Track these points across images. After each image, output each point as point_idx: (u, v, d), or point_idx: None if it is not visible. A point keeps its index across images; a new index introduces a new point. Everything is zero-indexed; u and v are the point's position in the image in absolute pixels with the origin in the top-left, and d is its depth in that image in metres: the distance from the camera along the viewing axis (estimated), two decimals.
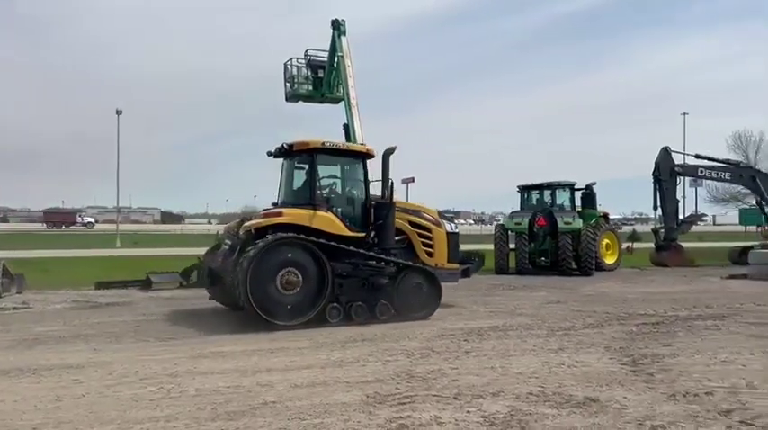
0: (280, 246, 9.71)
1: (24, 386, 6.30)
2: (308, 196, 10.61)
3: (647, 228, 41.25)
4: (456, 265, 11.86)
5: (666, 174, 24.82)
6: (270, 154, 11.55)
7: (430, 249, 11.41)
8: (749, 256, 20.74)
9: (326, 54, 18.09)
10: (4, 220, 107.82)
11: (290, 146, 10.97)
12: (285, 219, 10.09)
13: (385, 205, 10.73)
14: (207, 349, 8.11)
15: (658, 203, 25.02)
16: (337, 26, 17.43)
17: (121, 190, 43.40)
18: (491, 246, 22.11)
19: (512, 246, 21.60)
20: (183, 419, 5.18)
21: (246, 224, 10.69)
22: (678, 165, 25.67)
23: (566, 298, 14.06)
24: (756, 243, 27.04)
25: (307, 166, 10.95)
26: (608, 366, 7.14)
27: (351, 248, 10.30)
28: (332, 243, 10.12)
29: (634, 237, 38.72)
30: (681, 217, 27.05)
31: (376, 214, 10.86)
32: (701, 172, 26.65)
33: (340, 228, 10.42)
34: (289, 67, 18.61)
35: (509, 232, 21.90)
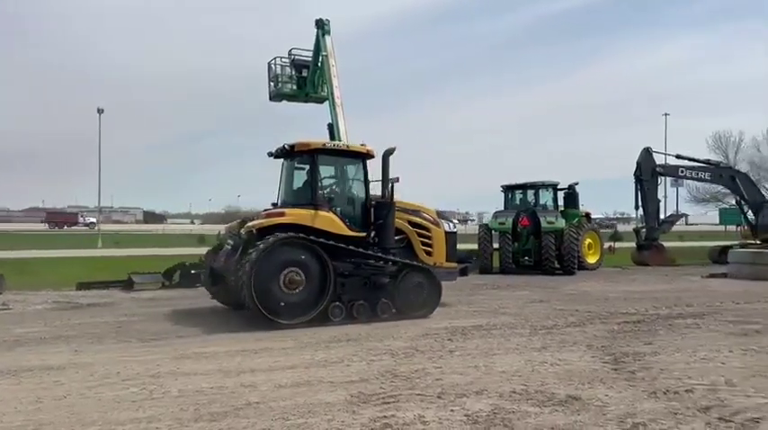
0: (283, 246, 9.83)
1: (4, 388, 6.22)
2: (309, 196, 10.70)
3: (629, 227, 41.63)
4: (454, 264, 12.00)
5: (648, 174, 25.11)
6: (270, 154, 11.65)
7: (429, 248, 11.52)
8: (729, 256, 21.05)
9: (310, 53, 18.06)
10: None
11: (292, 146, 11.03)
12: (287, 219, 10.18)
13: (385, 205, 10.82)
14: (190, 350, 8.06)
15: (640, 203, 25.32)
16: (321, 25, 17.41)
17: (103, 189, 43.07)
18: (475, 246, 22.20)
19: (495, 245, 21.71)
20: (166, 420, 5.14)
21: (249, 224, 10.79)
22: (659, 166, 25.99)
23: (548, 297, 14.16)
24: (736, 242, 27.44)
25: (308, 167, 11.06)
26: (590, 364, 7.21)
27: (352, 248, 10.41)
28: (334, 243, 10.23)
29: (616, 236, 39.12)
30: (662, 217, 27.39)
31: (376, 214, 10.98)
32: (682, 172, 27.00)
33: (341, 228, 10.51)
34: (273, 66, 18.56)
35: (493, 232, 22.01)
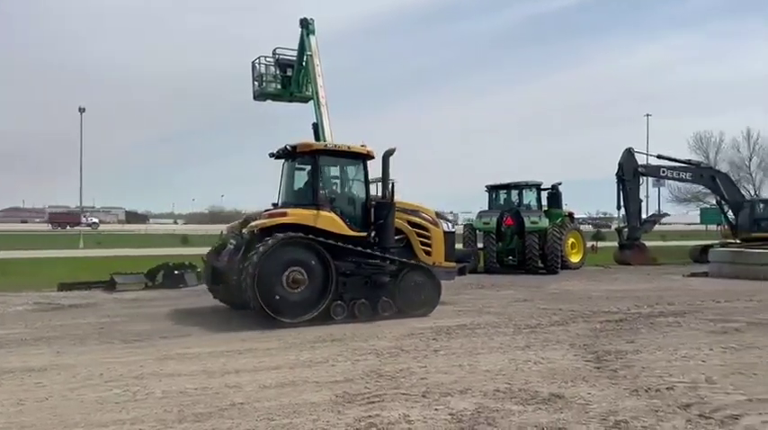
0: (286, 246, 9.94)
1: None
2: (310, 197, 10.83)
3: (612, 227, 42.00)
4: (453, 264, 12.11)
5: (630, 174, 25.38)
6: (272, 155, 11.77)
7: (428, 248, 11.60)
8: (709, 255, 21.33)
9: (295, 53, 18.02)
10: None
11: (293, 147, 11.20)
12: (290, 219, 10.28)
13: (385, 205, 10.92)
14: (173, 351, 8.02)
15: (622, 203, 25.57)
16: (306, 25, 17.36)
17: (84, 189, 42.63)
18: (459, 246, 22.26)
19: (480, 245, 21.81)
20: (150, 422, 5.12)
21: (251, 224, 10.86)
22: (641, 166, 26.27)
23: (532, 296, 14.26)
24: (716, 242, 27.82)
25: (309, 168, 11.18)
26: (573, 363, 7.28)
27: (354, 248, 10.53)
28: (337, 242, 10.35)
29: (598, 236, 39.47)
30: (643, 216, 27.67)
31: (376, 214, 11.07)
32: (664, 172, 27.33)
33: (342, 228, 10.62)
34: (257, 65, 18.47)
35: (477, 231, 22.10)
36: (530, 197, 22.96)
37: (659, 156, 26.51)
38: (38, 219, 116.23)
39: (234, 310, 11.52)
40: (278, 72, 18.45)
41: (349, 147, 11.33)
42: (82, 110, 41.47)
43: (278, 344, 8.43)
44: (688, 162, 28.11)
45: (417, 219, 11.63)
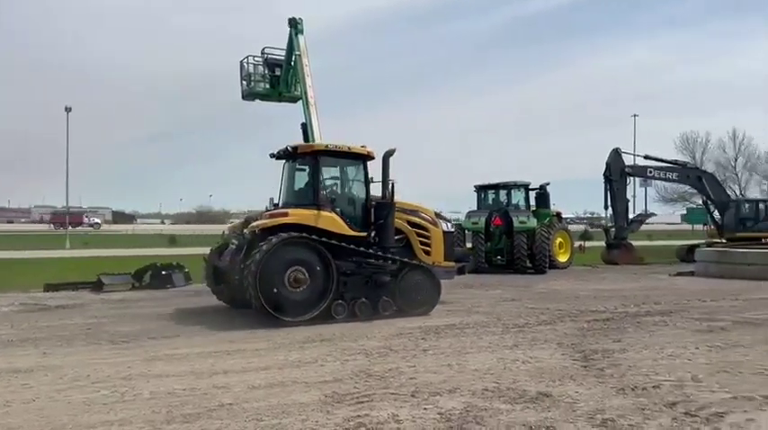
0: (287, 246, 10.05)
1: None
2: (311, 197, 10.94)
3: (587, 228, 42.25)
4: (452, 263, 12.21)
5: (617, 174, 25.57)
6: (272, 156, 11.91)
7: (427, 248, 11.70)
8: (696, 254, 21.53)
9: (283, 52, 17.99)
10: None
11: (294, 148, 11.36)
12: (291, 219, 10.38)
13: (385, 205, 11.01)
14: (161, 351, 7.99)
15: (609, 203, 25.75)
16: (294, 24, 17.34)
17: (71, 189, 42.26)
18: None
19: (469, 245, 21.88)
20: (138, 423, 5.10)
21: (253, 224, 10.93)
22: (628, 166, 26.48)
23: (520, 295, 14.33)
24: (703, 241, 28.08)
25: (310, 168, 11.30)
26: (560, 362, 7.33)
27: (354, 247, 10.64)
28: (338, 242, 10.45)
29: (586, 235, 39.72)
30: (630, 216, 27.89)
31: (376, 214, 11.18)
32: (650, 172, 27.56)
33: (343, 228, 10.72)
34: (245, 65, 18.43)
35: (466, 231, 22.17)
36: (518, 197, 23.07)
37: (646, 157, 26.75)
38: (23, 220, 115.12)
39: (221, 311, 11.53)
40: (266, 72, 18.41)
41: (349, 148, 11.43)
42: (68, 109, 41.10)
43: (267, 345, 8.42)
44: (674, 162, 28.38)
45: (417, 219, 11.75)
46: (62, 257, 27.30)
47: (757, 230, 25.73)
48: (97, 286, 15.19)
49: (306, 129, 16.54)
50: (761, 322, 10.22)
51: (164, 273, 16.15)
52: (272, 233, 10.12)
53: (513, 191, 23.06)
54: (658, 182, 37.80)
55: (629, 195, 28.02)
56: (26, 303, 12.97)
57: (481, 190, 23.82)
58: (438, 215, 12.42)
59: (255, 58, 18.36)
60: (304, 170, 11.57)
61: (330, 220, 10.61)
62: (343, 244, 10.54)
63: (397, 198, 11.02)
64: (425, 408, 5.45)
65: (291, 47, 17.44)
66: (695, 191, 32.14)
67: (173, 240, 41.39)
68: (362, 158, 11.49)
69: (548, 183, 23.06)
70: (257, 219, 11.09)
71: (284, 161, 11.94)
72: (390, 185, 10.87)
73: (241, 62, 18.45)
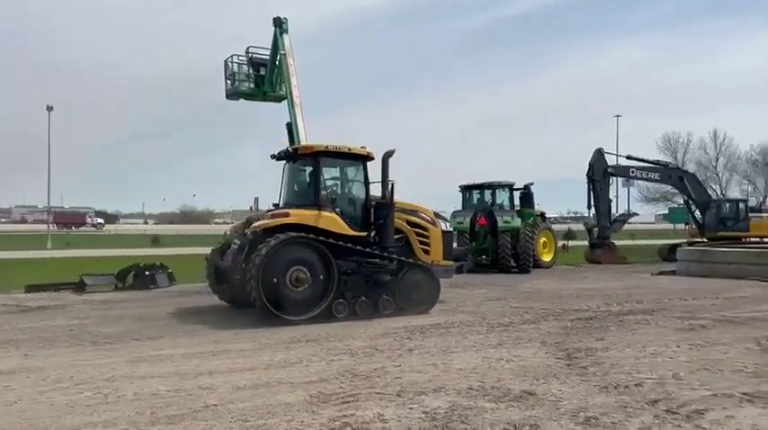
0: (289, 246, 10.19)
1: None
2: (312, 197, 11.06)
3: (582, 226, 42.57)
4: (451, 262, 12.31)
5: (600, 174, 25.79)
6: (273, 157, 12.09)
7: (426, 247, 11.80)
8: (677, 254, 21.77)
9: (268, 52, 17.94)
10: None
11: (295, 149, 11.58)
12: (292, 219, 10.52)
13: (385, 205, 11.13)
14: (145, 352, 7.94)
15: (592, 203, 25.96)
16: (279, 24, 17.30)
17: (53, 188, 41.78)
18: None
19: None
20: (122, 424, 5.07)
21: (255, 224, 11.01)
22: (611, 166, 26.72)
23: (505, 295, 14.41)
24: (684, 241, 28.41)
25: (310, 169, 11.45)
26: (544, 360, 7.40)
27: (356, 247, 10.76)
28: (338, 242, 10.60)
29: (569, 235, 40.00)
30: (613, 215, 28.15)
31: (376, 214, 11.31)
32: (633, 172, 27.82)
33: (343, 228, 10.85)
34: (229, 64, 18.36)
35: None
36: (503, 197, 23.18)
37: (629, 157, 27.00)
38: (3, 220, 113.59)
39: (206, 311, 11.51)
40: (251, 71, 18.37)
41: (349, 149, 11.53)
42: (50, 108, 40.61)
43: (252, 345, 8.40)
44: (656, 162, 28.69)
45: (416, 219, 11.86)
46: (43, 258, 26.99)
47: (737, 230, 26.11)
48: (79, 287, 15.03)
49: (291, 129, 16.51)
50: (741, 320, 10.37)
51: (147, 273, 16.02)
52: (274, 233, 10.24)
53: (497, 191, 23.16)
54: (640, 182, 38.24)
55: (611, 195, 28.28)
56: (7, 304, 12.81)
57: (466, 190, 23.91)
58: (437, 215, 12.56)
59: (240, 58, 18.31)
60: (304, 171, 11.76)
61: (331, 220, 10.74)
62: (343, 243, 10.67)
63: (396, 198, 11.17)
64: (411, 408, 5.47)
65: (276, 46, 17.39)
66: (677, 191, 32.51)
67: (156, 240, 41.11)
68: (362, 159, 11.63)
69: (532, 183, 23.24)
70: (259, 220, 11.19)
71: (284, 162, 12.11)
72: (390, 185, 11.01)
73: (225, 61, 18.38)
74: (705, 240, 26.12)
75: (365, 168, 11.63)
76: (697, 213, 28.04)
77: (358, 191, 11.74)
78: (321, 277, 10.36)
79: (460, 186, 24.08)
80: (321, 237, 10.42)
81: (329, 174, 11.66)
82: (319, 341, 8.70)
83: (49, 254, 30.43)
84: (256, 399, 5.75)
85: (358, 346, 8.27)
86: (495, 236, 21.20)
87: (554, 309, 11.88)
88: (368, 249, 10.95)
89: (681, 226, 50.82)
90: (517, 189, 23.25)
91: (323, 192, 11.05)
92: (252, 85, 18.37)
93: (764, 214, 27.74)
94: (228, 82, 18.53)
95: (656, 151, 50.88)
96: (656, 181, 30.87)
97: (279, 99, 18.04)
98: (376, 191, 11.58)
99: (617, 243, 27.04)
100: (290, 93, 16.60)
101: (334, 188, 11.74)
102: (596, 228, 26.54)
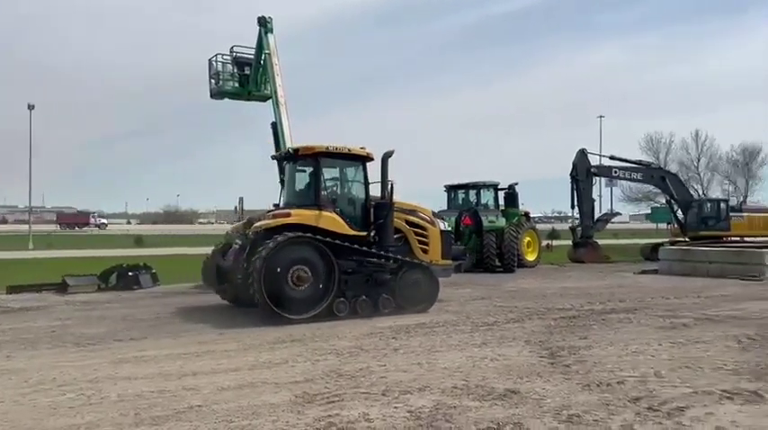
0: (291, 245, 10.31)
1: None
2: (312, 197, 11.19)
3: (566, 226, 42.94)
4: (449, 261, 12.41)
5: (583, 174, 26.00)
6: (274, 157, 12.32)
7: (425, 247, 11.95)
8: (659, 253, 22.00)
9: (253, 51, 17.88)
10: None
11: (296, 150, 11.69)
12: (294, 219, 10.65)
13: (384, 205, 11.24)
14: (129, 354, 7.89)
15: (576, 202, 26.16)
16: (264, 23, 17.26)
17: (34, 188, 41.30)
18: None
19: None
20: (105, 426, 5.04)
21: (256, 224, 11.13)
22: (594, 166, 26.94)
23: (489, 294, 14.49)
24: (666, 240, 28.71)
25: (311, 169, 11.57)
26: (528, 359, 7.46)
27: (355, 247, 10.87)
28: (339, 242, 10.71)
29: (553, 234, 40.25)
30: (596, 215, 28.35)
31: (376, 214, 11.40)
32: (616, 172, 28.08)
33: (343, 228, 10.98)
34: (213, 63, 18.27)
35: None
36: (487, 197, 23.28)
37: (611, 157, 27.24)
38: None
39: (190, 312, 11.53)
40: (235, 70, 18.30)
41: (349, 150, 11.62)
42: (31, 107, 40.18)
43: (236, 346, 8.37)
44: (639, 163, 28.96)
45: (415, 219, 11.99)
46: (24, 259, 26.67)
47: (719, 229, 26.43)
48: (62, 288, 14.87)
49: (276, 129, 16.49)
50: (721, 319, 10.52)
51: (130, 274, 15.88)
52: (276, 233, 10.35)
53: (482, 191, 23.26)
54: (623, 182, 38.58)
55: (594, 195, 28.52)
56: None
57: (451, 190, 23.98)
58: (435, 214, 12.68)
59: (224, 57, 18.23)
60: (305, 171, 11.87)
61: (331, 220, 10.86)
62: (344, 243, 10.79)
63: (395, 198, 11.26)
64: (396, 407, 5.50)
65: (261, 45, 17.35)
66: (659, 190, 32.83)
67: (139, 241, 40.77)
68: (362, 160, 11.77)
69: (516, 184, 23.35)
70: (260, 220, 11.30)
71: (285, 162, 12.27)
72: (389, 186, 11.12)
73: (210, 60, 18.29)
74: (687, 239, 26.41)
75: (365, 169, 11.77)
76: (679, 213, 28.34)
77: (358, 191, 11.87)
78: (322, 276, 10.47)
79: (446, 186, 24.15)
80: (322, 237, 10.54)
81: (329, 174, 11.79)
82: (304, 341, 8.70)
83: (30, 254, 30.08)
84: (241, 400, 5.74)
85: (343, 346, 8.28)
86: (480, 235, 21.26)
87: (538, 307, 11.97)
88: (368, 248, 11.08)
89: (663, 225, 51.29)
90: (502, 189, 23.36)
91: (323, 193, 11.20)
92: (236, 85, 18.30)
93: (745, 214, 28.00)
94: (213, 81, 18.45)
95: (639, 151, 51.34)
96: (638, 181, 31.18)
97: (264, 98, 17.99)
98: (375, 191, 11.71)
99: (600, 242, 27.26)
100: (275, 92, 16.57)
101: (335, 188, 11.87)
102: (580, 228, 26.75)
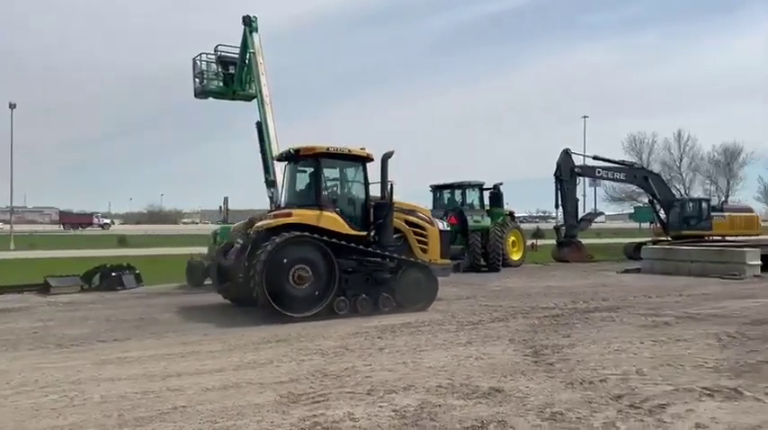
0: (292, 245, 10.47)
1: None
2: (313, 198, 11.31)
3: (551, 225, 43.21)
4: (448, 261, 12.52)
5: (567, 174, 26.18)
6: (274, 158, 12.40)
7: (424, 246, 12.07)
8: (642, 252, 22.21)
9: (237, 50, 17.81)
10: None
11: (296, 150, 11.69)
12: (295, 219, 10.77)
13: (384, 205, 11.37)
14: (112, 355, 7.84)
15: (560, 202, 26.35)
16: (249, 22, 17.19)
17: (15, 188, 40.80)
18: None
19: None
20: (89, 427, 5.01)
21: (258, 224, 11.22)
22: (578, 167, 27.15)
23: (474, 293, 14.56)
24: (649, 239, 29.00)
25: (311, 170, 11.67)
26: (512, 357, 7.51)
27: (356, 246, 11.09)
28: (339, 241, 10.84)
29: (538, 234, 40.50)
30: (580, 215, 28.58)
31: (376, 214, 11.52)
32: (599, 172, 28.31)
33: (344, 228, 11.10)
34: (198, 62, 18.17)
35: None
36: (472, 197, 23.36)
37: (595, 157, 27.46)
38: None
39: (174, 313, 11.48)
40: (220, 69, 18.21)
41: (350, 150, 11.71)
42: (12, 105, 39.72)
43: (221, 346, 8.35)
44: (622, 163, 29.23)
45: (414, 219, 12.10)
46: (6, 259, 26.34)
47: (701, 228, 26.73)
48: (44, 288, 14.73)
49: (261, 128, 16.44)
50: (702, 317, 10.65)
51: (114, 274, 15.78)
52: (277, 233, 10.47)
53: (467, 190, 23.33)
54: (607, 182, 38.90)
55: (578, 195, 28.73)
56: None
57: (437, 189, 24.05)
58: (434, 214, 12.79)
59: (208, 56, 18.14)
60: (305, 172, 11.95)
61: (332, 220, 10.98)
62: (344, 243, 10.91)
63: (395, 198, 11.34)
64: (381, 406, 5.52)
65: (246, 44, 17.28)
66: (642, 190, 33.15)
67: (123, 241, 40.45)
68: (362, 160, 11.89)
69: (501, 183, 23.49)
70: (261, 220, 11.37)
71: (285, 163, 12.34)
72: (389, 186, 11.21)
73: (194, 59, 18.19)
74: (669, 239, 26.69)
75: (365, 169, 11.89)
76: (661, 212, 28.63)
77: (358, 191, 11.97)
78: (323, 275, 10.60)
79: (431, 186, 24.21)
80: (322, 237, 10.65)
81: (330, 174, 11.88)
82: (290, 341, 8.69)
83: (12, 255, 29.72)
84: (225, 400, 5.73)
85: (329, 346, 8.29)
86: (466, 235, 21.36)
87: (522, 306, 12.05)
88: (368, 248, 11.21)
89: (646, 224, 51.82)
90: (487, 189, 23.46)
91: (324, 193, 11.31)
92: (221, 84, 18.23)
93: (726, 213, 28.35)
94: (197, 80, 18.35)
95: (622, 151, 51.86)
96: (621, 181, 31.47)
97: (248, 98, 17.92)
98: (375, 191, 11.81)
99: (584, 241, 27.48)
100: (260, 91, 16.52)
101: (335, 188, 11.96)
102: (564, 227, 26.94)
